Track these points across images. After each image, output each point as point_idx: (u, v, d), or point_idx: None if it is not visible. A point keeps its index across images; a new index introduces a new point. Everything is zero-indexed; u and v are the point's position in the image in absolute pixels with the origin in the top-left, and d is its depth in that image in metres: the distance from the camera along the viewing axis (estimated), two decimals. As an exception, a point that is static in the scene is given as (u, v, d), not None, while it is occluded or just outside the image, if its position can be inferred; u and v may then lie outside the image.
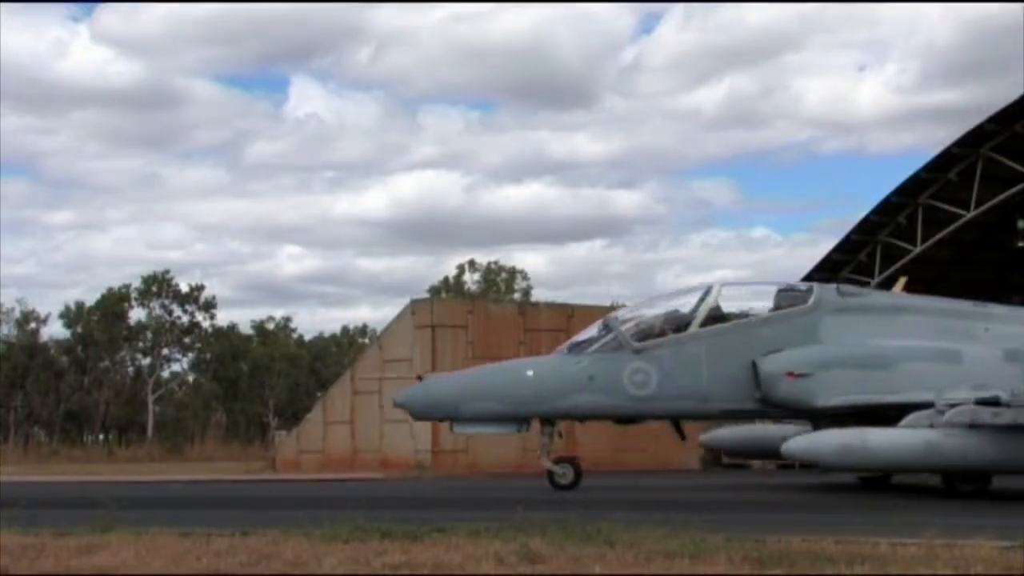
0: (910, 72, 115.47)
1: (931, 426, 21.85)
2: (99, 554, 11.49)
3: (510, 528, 13.01)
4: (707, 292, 25.70)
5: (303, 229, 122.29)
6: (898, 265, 40.59)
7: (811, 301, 25.25)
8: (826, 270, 42.51)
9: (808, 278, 43.22)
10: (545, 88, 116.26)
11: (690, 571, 10.46)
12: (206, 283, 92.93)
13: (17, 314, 79.32)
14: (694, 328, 24.81)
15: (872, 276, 41.27)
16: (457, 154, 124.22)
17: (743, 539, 12.19)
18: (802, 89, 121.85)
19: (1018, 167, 36.81)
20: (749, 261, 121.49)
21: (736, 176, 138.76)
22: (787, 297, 25.67)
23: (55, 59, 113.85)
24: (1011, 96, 35.82)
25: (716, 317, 25.07)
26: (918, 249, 39.83)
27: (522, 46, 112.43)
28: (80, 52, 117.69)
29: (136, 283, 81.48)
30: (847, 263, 42.20)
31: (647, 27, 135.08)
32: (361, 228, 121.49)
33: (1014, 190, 37.22)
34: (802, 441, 22.47)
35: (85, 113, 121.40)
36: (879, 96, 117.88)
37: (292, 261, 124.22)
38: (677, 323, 25.06)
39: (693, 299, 25.69)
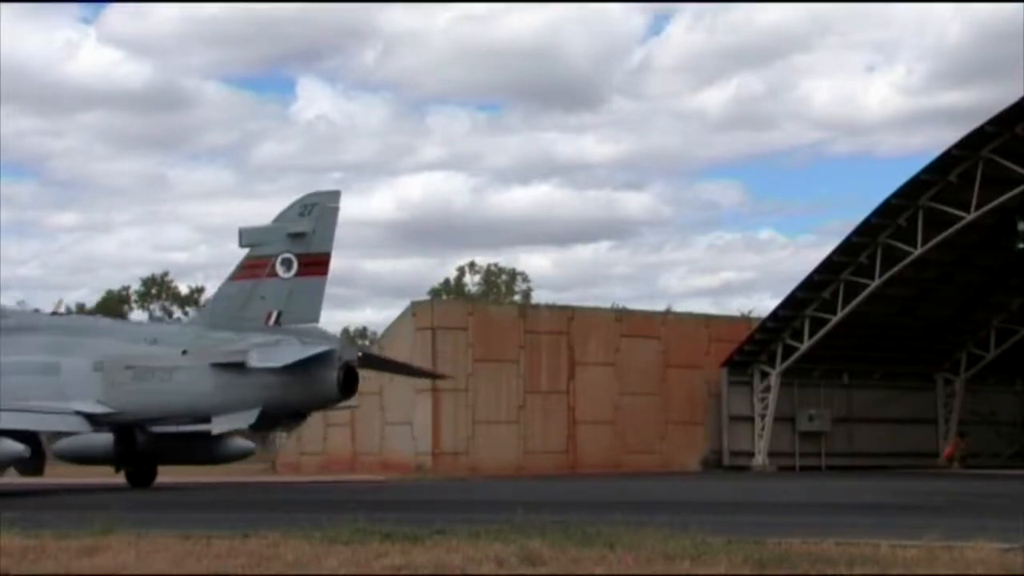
0: (918, 73, 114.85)
1: None
2: (100, 556, 11.48)
3: (510, 530, 12.99)
4: None
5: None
6: (899, 267, 40.57)
7: None
8: (828, 272, 42.48)
9: (809, 280, 43.27)
10: (553, 89, 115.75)
11: (690, 573, 10.44)
12: (208, 285, 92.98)
13: (18, 316, 79.38)
14: None
15: (873, 278, 41.22)
16: (464, 155, 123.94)
17: (744, 541, 12.17)
18: (810, 90, 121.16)
19: (1018, 169, 36.69)
20: (755, 263, 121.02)
21: (743, 178, 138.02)
22: None
23: (64, 60, 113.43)
24: (1014, 98, 35.71)
25: None
26: (919, 251, 39.74)
27: (530, 47, 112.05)
28: (88, 53, 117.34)
29: (136, 285, 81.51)
30: (847, 265, 42.13)
31: (656, 28, 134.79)
32: (367, 229, 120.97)
33: (1014, 192, 37.12)
34: None
35: (93, 114, 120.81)
36: (887, 97, 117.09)
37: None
38: None
39: None
